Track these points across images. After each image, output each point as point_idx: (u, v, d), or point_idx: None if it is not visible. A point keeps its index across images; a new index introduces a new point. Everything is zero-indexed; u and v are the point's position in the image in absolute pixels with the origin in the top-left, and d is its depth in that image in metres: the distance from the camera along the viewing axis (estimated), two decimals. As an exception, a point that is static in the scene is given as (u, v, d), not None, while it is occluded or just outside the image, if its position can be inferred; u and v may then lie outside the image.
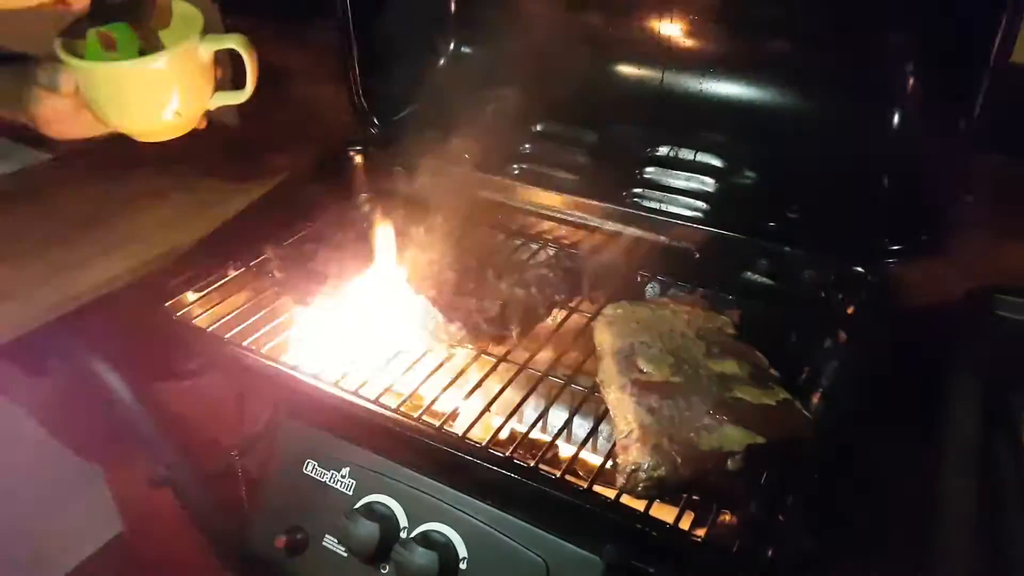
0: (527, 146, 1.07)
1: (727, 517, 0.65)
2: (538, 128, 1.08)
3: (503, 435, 0.71)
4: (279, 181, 0.99)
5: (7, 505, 1.23)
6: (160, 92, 0.75)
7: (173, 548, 1.02)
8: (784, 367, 0.77)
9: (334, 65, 1.09)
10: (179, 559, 1.05)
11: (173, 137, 0.80)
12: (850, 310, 0.85)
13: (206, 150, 1.11)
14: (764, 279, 0.91)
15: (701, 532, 0.62)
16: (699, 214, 0.97)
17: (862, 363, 0.79)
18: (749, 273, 0.91)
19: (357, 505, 0.74)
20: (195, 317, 0.83)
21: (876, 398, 0.74)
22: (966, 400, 0.77)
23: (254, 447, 0.86)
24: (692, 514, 0.65)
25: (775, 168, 0.96)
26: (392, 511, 0.73)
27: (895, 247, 0.86)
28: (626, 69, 1.02)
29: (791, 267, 0.89)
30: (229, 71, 0.81)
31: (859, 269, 0.86)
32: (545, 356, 0.80)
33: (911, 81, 0.87)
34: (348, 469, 0.77)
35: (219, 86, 0.80)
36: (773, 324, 0.85)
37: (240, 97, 0.80)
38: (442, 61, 1.10)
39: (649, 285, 0.93)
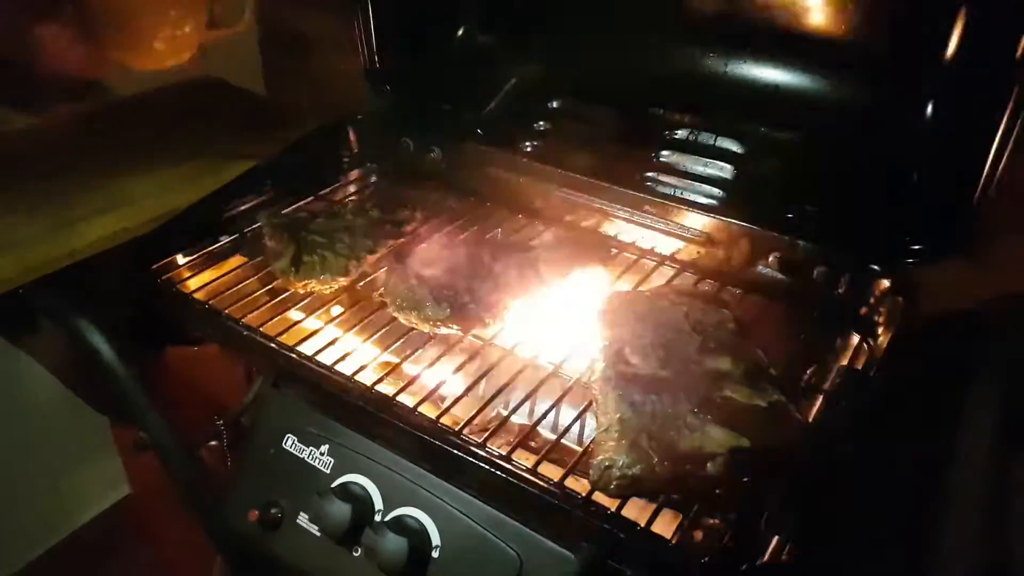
0: (541, 123, 1.04)
1: (715, 521, 0.63)
2: (554, 105, 1.05)
3: (478, 422, 0.69)
4: (282, 151, 0.98)
5: (22, 461, 1.25)
6: (153, 10, 0.73)
7: (180, 512, 1.02)
8: (787, 368, 0.73)
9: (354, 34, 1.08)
10: (185, 523, 1.06)
11: (170, 64, 0.78)
12: (863, 311, 0.81)
13: (224, 115, 1.11)
14: (775, 273, 0.87)
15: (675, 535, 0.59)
16: (714, 202, 0.93)
17: (871, 368, 0.75)
18: (760, 266, 0.88)
19: (333, 484, 0.73)
20: (182, 281, 0.82)
21: (884, 406, 0.70)
22: (983, 412, 0.73)
23: (241, 417, 0.86)
24: (678, 515, 0.63)
25: (797, 158, 0.92)
26: (368, 492, 0.72)
27: (916, 246, 0.82)
28: (648, 47, 0.98)
29: (804, 262, 0.85)
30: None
31: (875, 268, 0.82)
32: (535, 341, 0.77)
33: (947, 75, 0.81)
34: (327, 447, 0.76)
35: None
36: (780, 321, 0.82)
37: (237, 26, 0.78)
38: (461, 31, 1.07)
39: (656, 272, 0.90)
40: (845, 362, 0.78)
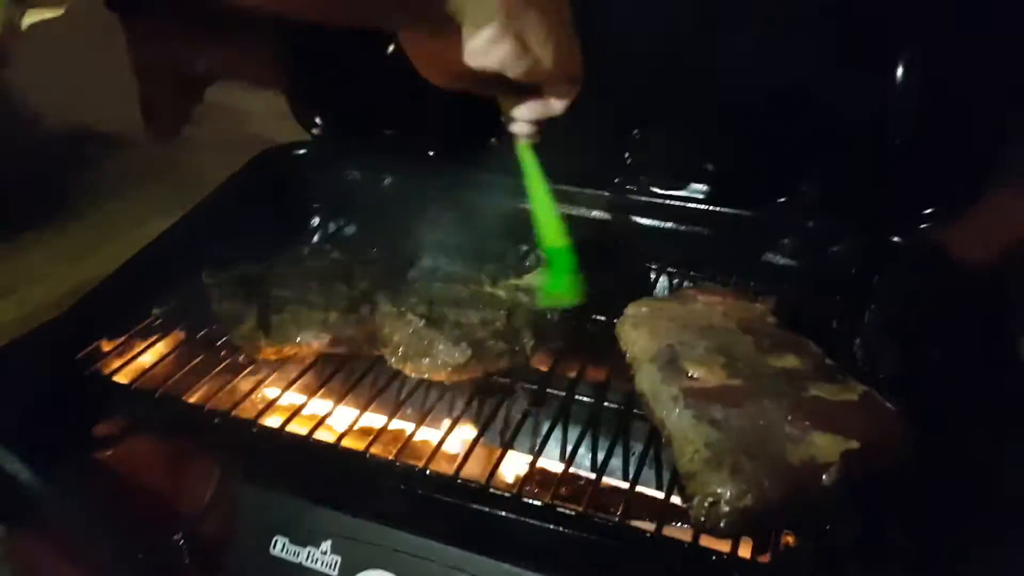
0: (493, 139, 0.95)
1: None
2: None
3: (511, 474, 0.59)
4: (207, 198, 0.84)
5: None
6: None
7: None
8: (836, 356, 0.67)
9: (266, 65, 0.96)
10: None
11: None
12: (888, 283, 0.77)
13: (115, 173, 0.97)
14: (788, 260, 0.82)
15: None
16: (702, 195, 0.87)
17: (923, 342, 0.70)
18: (770, 254, 0.82)
19: (347, 588, 0.60)
20: (113, 371, 0.67)
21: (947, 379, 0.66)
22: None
23: (203, 525, 0.71)
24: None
25: (780, 139, 0.87)
26: (394, 590, 0.60)
27: (928, 211, 0.78)
28: (603, 35, 0.91)
29: (816, 243, 0.81)
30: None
31: (896, 239, 0.78)
32: (564, 372, 0.68)
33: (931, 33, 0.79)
34: (330, 542, 0.63)
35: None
36: (806, 309, 0.76)
37: (56, 11, 0.66)
38: (392, 46, 0.97)
39: (661, 278, 0.83)
40: (893, 341, 0.72)
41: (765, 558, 0.51)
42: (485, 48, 0.52)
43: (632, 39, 0.88)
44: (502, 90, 0.61)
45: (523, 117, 0.64)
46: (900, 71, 0.80)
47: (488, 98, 0.64)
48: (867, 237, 0.79)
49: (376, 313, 0.67)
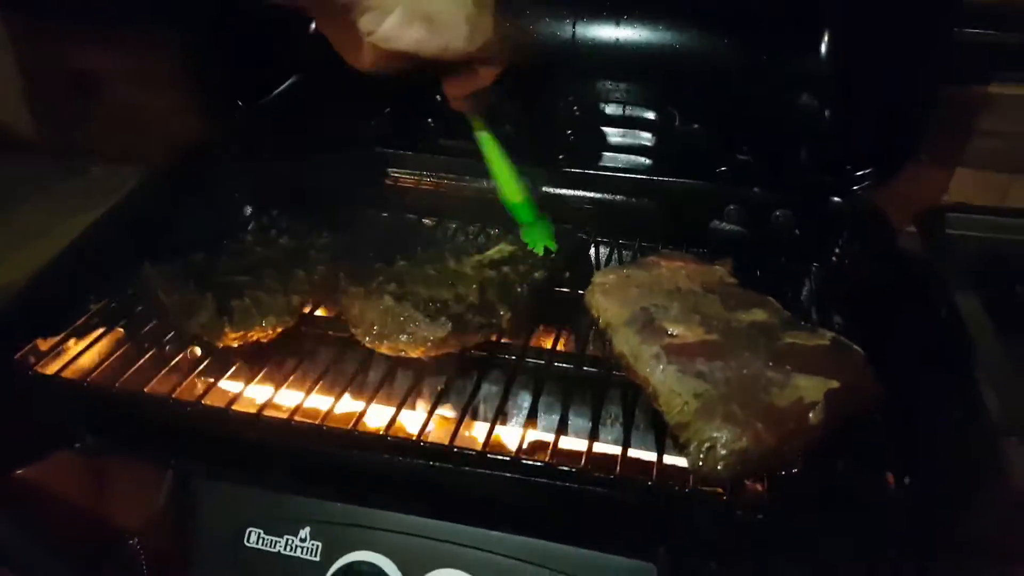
0: (430, 120, 0.95)
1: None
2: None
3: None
4: (130, 192, 0.81)
5: None
6: None
7: None
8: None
9: (165, 62, 0.95)
10: None
11: None
12: (835, 243, 0.82)
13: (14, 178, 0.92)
14: (734, 226, 0.86)
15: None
16: (645, 168, 0.90)
17: (863, 297, 0.76)
18: (717, 222, 0.86)
19: (331, 572, 0.60)
20: (59, 371, 0.63)
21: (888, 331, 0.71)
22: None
23: (161, 527, 0.68)
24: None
25: (711, 112, 0.92)
26: (381, 570, 0.60)
27: (861, 173, 0.84)
28: (532, 22, 0.94)
29: (761, 209, 0.85)
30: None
31: (837, 199, 0.83)
32: (538, 342, 0.69)
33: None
34: (309, 528, 0.62)
35: None
36: (756, 272, 0.80)
37: None
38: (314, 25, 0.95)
39: (614, 251, 0.85)
40: (837, 295, 0.78)
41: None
42: (394, 31, 0.54)
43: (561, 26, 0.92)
44: (428, 67, 0.61)
45: (452, 93, 0.67)
46: (825, 44, 0.86)
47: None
48: (807, 201, 0.85)
49: (344, 295, 0.66)
